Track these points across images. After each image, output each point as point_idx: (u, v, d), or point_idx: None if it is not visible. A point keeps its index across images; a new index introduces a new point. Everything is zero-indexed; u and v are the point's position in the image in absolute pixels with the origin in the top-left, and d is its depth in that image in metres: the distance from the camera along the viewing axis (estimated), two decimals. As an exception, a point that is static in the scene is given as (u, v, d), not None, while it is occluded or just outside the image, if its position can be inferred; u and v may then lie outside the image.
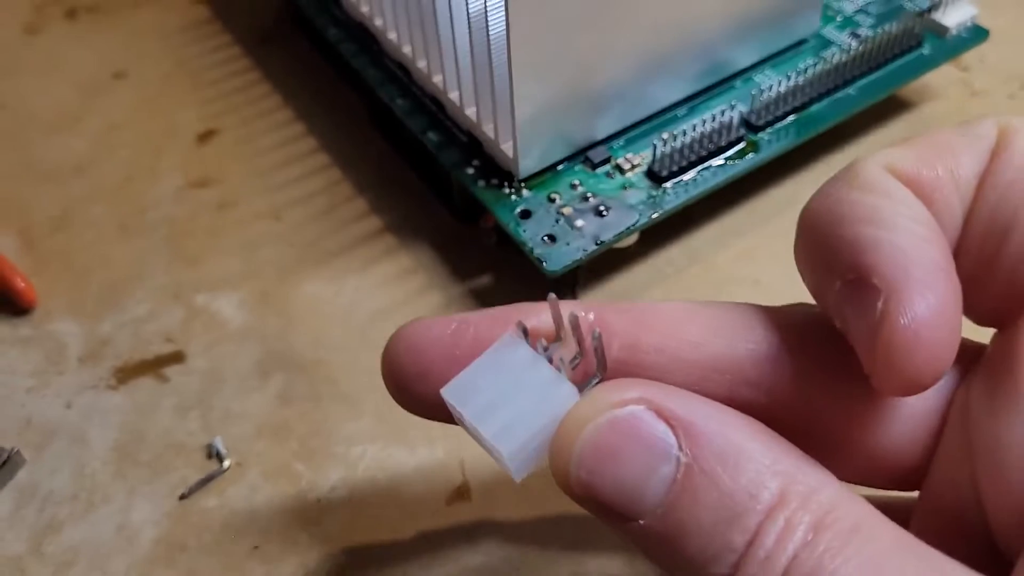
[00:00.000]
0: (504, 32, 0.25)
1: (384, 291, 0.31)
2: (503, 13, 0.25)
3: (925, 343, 0.15)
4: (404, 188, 0.34)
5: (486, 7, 0.25)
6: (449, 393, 0.17)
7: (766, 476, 0.14)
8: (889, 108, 0.35)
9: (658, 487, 0.15)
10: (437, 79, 0.30)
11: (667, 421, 0.15)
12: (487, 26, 0.26)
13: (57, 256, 0.33)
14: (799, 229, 0.17)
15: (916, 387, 0.15)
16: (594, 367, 0.17)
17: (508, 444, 0.16)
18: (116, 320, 0.31)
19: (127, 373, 0.30)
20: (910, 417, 0.17)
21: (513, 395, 0.16)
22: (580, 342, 0.17)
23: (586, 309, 0.17)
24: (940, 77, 0.36)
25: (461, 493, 0.26)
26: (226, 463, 0.27)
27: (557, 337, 0.17)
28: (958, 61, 0.36)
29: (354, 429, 0.28)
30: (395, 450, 0.27)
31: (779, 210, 0.32)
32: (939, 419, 0.17)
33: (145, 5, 0.42)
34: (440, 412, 0.17)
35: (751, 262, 0.31)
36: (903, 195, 0.16)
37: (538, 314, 0.18)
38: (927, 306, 0.15)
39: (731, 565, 0.14)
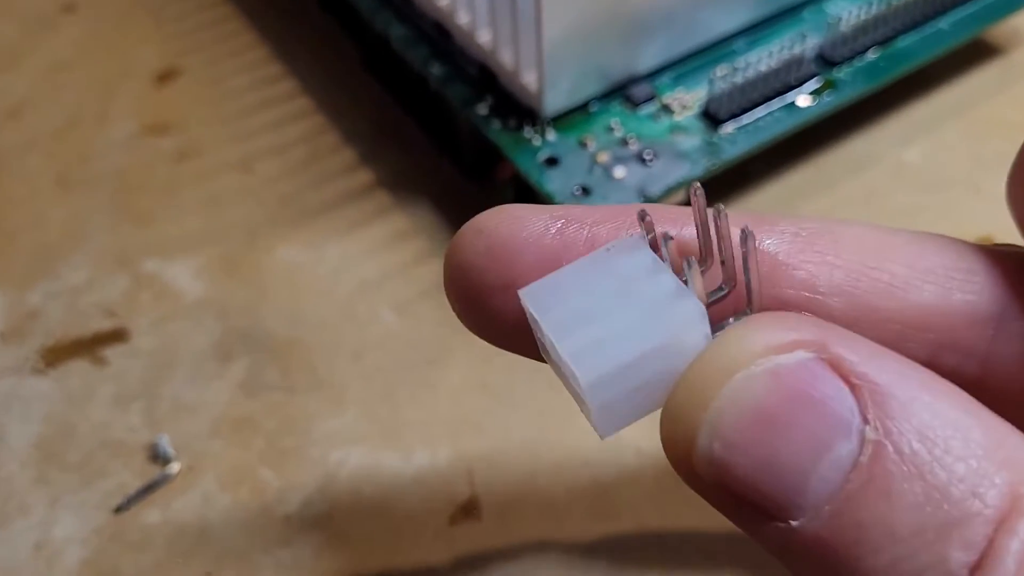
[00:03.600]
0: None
1: (374, 258, 0.25)
2: None
3: None
4: (401, 137, 0.28)
5: None
6: (529, 296, 0.12)
7: (990, 466, 0.10)
8: (976, 54, 0.29)
9: (830, 474, 0.10)
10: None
11: (846, 379, 0.10)
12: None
13: (-19, 213, 0.27)
14: None
15: None
16: (743, 304, 0.12)
17: (590, 368, 0.11)
18: (48, 289, 0.25)
19: (58, 354, 0.24)
20: None
21: (616, 306, 0.11)
22: (729, 264, 0.12)
23: (739, 222, 0.12)
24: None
25: (468, 510, 0.21)
26: (174, 467, 0.22)
27: (702, 257, 0.12)
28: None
29: (335, 427, 0.22)
30: (386, 454, 0.22)
31: (852, 168, 0.27)
32: None
33: (103, -68, 0.37)
34: (525, 341, 0.13)
35: (823, 228, 0.25)
36: None
37: (677, 223, 0.13)
38: None
39: None
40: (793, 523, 0.10)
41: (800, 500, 0.10)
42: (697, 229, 0.12)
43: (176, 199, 0.27)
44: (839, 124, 0.27)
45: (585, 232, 0.13)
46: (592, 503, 0.21)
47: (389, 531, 0.21)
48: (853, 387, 0.10)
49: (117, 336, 0.24)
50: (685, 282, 0.11)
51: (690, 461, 0.11)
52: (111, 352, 0.24)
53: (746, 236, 0.11)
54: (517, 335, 0.13)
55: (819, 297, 0.13)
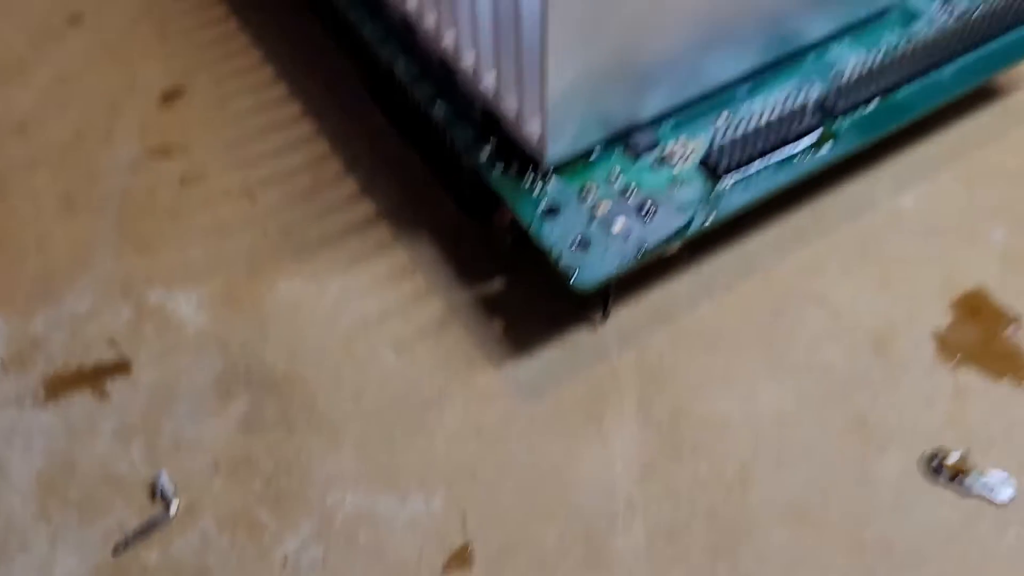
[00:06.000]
0: (537, -17, 0.20)
1: (375, 294, 0.26)
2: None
3: None
4: (403, 168, 0.28)
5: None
6: None
7: None
8: (976, 96, 0.29)
9: None
10: (448, 38, 0.25)
11: None
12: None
13: (-15, 234, 0.28)
14: None
15: None
16: None
17: None
18: (51, 317, 0.26)
19: (59, 385, 0.24)
20: None
21: None
22: None
23: None
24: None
25: (462, 557, 0.21)
26: (173, 506, 0.22)
27: None
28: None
29: (333, 467, 0.23)
30: (381, 497, 0.22)
31: (851, 212, 0.27)
32: None
33: (109, -61, 0.36)
34: None
35: (817, 275, 0.25)
36: None
37: None
38: None
39: None
40: None
41: None
42: None
43: (180, 225, 0.27)
44: (836, 169, 0.27)
45: None
46: (584, 554, 0.21)
47: (383, 577, 0.21)
48: None
49: (119, 368, 0.25)
50: None
51: None
52: (113, 385, 0.24)
53: None
54: None
55: None
